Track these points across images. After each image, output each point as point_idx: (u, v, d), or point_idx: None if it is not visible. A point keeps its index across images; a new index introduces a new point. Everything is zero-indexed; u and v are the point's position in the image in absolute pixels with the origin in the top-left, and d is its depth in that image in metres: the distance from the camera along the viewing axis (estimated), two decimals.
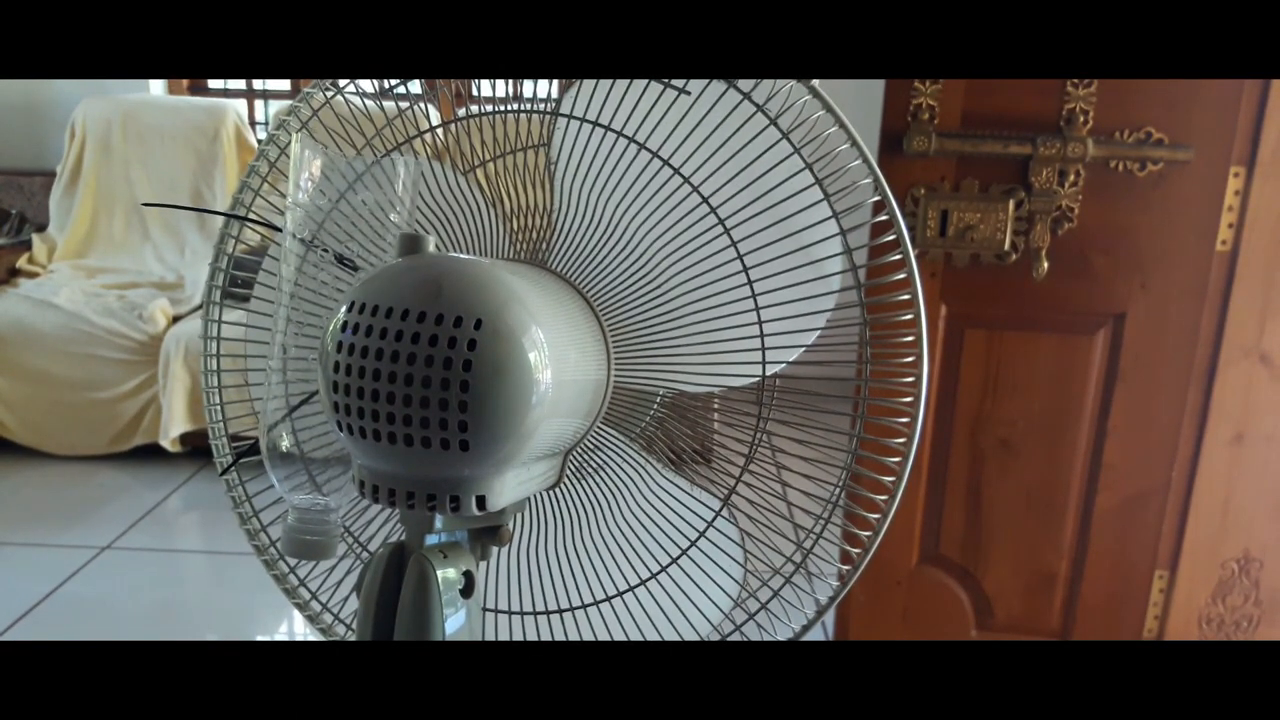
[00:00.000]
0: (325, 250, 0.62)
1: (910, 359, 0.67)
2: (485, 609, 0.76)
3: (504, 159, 0.74)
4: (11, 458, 2.59)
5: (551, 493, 0.72)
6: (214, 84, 3.33)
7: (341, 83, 0.73)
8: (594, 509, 0.72)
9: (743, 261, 0.67)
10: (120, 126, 2.94)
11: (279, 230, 0.68)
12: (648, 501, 0.72)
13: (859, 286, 0.67)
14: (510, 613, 0.76)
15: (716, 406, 0.73)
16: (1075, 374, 1.31)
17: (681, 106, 0.66)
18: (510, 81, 0.73)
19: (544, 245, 0.72)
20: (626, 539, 0.72)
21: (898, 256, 0.65)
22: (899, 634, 1.44)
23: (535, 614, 0.75)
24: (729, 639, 0.75)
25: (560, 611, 0.74)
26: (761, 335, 0.68)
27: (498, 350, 0.50)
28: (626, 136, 0.67)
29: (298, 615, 1.37)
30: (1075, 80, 1.20)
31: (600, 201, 0.68)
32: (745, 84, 0.65)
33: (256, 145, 3.00)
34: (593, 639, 0.74)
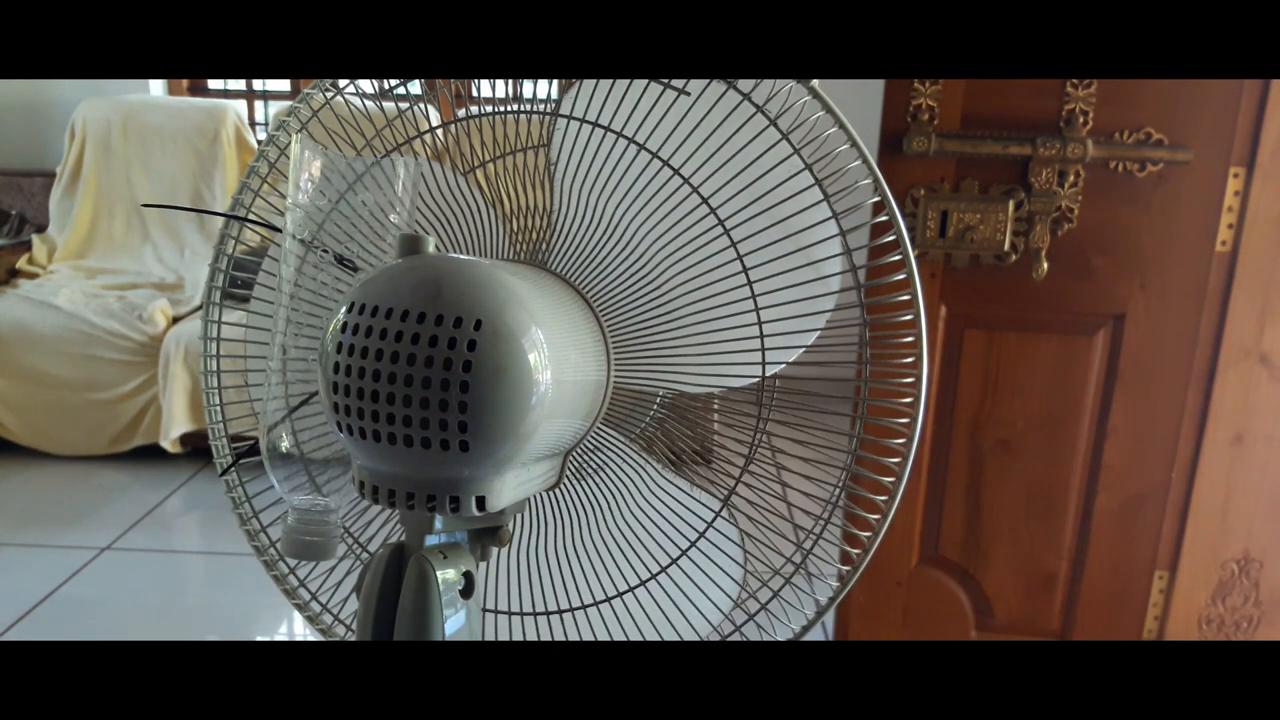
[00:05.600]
0: (325, 251, 0.62)
1: (910, 359, 0.67)
2: (485, 609, 0.76)
3: (504, 160, 0.74)
4: (11, 458, 2.59)
5: (551, 493, 0.72)
6: (214, 84, 3.34)
7: (341, 83, 0.73)
8: (594, 509, 0.72)
9: (742, 262, 0.67)
10: (120, 127, 2.94)
11: (279, 231, 0.68)
12: (647, 502, 0.72)
13: (859, 287, 0.67)
14: (510, 613, 0.76)
15: (716, 407, 0.73)
16: (1075, 375, 1.31)
17: (681, 107, 0.66)
18: (510, 82, 0.73)
19: (544, 246, 0.72)
20: (626, 539, 0.72)
21: (897, 257, 0.65)
22: (899, 634, 1.44)
23: (535, 615, 0.75)
24: (729, 639, 0.75)
25: (560, 612, 0.74)
26: (761, 336, 0.68)
27: (497, 351, 0.50)
28: (626, 137, 0.67)
29: (298, 616, 1.37)
30: (1075, 80, 1.20)
31: (600, 202, 0.68)
32: (745, 84, 0.65)
33: (256, 146, 3.00)
34: (593, 639, 0.74)
